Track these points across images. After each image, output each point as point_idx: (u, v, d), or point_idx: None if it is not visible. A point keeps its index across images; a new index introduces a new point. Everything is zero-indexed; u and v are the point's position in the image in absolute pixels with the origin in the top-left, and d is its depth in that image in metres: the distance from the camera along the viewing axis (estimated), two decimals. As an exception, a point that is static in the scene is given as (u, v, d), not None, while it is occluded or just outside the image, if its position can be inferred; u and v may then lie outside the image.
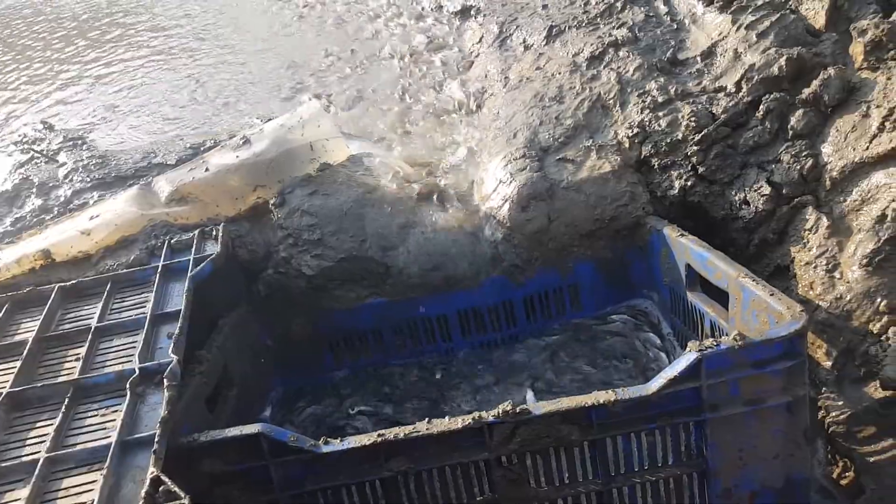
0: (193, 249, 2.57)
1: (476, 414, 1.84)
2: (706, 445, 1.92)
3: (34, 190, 3.34)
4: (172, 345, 2.02)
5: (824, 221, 2.52)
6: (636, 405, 1.86)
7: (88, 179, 3.33)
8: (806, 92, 2.71)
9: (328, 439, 1.84)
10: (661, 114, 3.00)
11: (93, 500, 1.51)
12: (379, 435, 1.82)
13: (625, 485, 1.96)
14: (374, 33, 5.51)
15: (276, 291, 2.93)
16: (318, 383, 3.03)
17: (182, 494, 1.43)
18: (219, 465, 1.79)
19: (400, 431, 1.83)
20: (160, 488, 1.47)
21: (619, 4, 3.87)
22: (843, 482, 2.18)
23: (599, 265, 2.98)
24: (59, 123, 4.41)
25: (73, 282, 2.43)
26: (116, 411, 1.81)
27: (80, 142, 3.99)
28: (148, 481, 1.48)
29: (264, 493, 1.85)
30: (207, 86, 4.80)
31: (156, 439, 1.63)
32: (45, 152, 3.66)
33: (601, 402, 1.83)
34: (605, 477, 1.95)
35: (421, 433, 1.82)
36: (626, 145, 3.01)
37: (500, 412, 1.83)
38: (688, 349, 1.84)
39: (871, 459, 2.09)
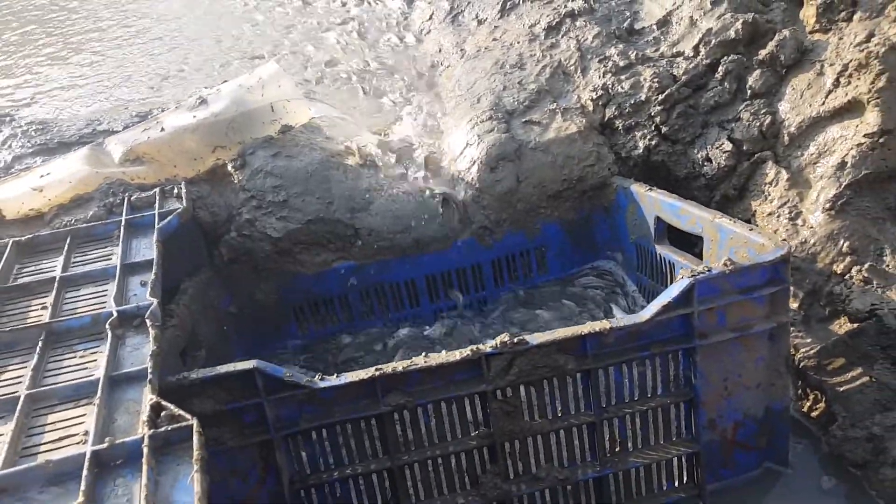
0: (157, 205, 2.46)
1: (474, 346, 1.82)
2: (695, 374, 1.96)
3: (-30, 155, 3.13)
4: (150, 289, 1.93)
5: (784, 174, 2.63)
6: (629, 334, 1.89)
7: (29, 145, 3.15)
8: (762, 53, 2.82)
9: (324, 375, 1.79)
10: (623, 77, 3.06)
11: (86, 431, 1.42)
12: (377, 369, 1.78)
13: (616, 416, 1.98)
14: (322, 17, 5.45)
15: (239, 255, 2.83)
16: (281, 352, 2.94)
17: (188, 416, 1.36)
18: (210, 405, 1.71)
19: (398, 365, 1.79)
20: (162, 413, 1.39)
21: (571, -20, 3.94)
22: (815, 413, 2.27)
23: (565, 227, 3.02)
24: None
25: (29, 236, 2.28)
26: (95, 352, 1.71)
27: (6, 118, 3.78)
28: (148, 407, 1.40)
29: (257, 434, 1.78)
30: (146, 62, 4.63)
31: (149, 370, 1.54)
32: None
33: (596, 330, 1.85)
34: (597, 408, 1.96)
35: (419, 366, 1.79)
36: (590, 108, 3.06)
37: (498, 343, 1.82)
38: (680, 276, 1.88)
39: (842, 389, 2.19)
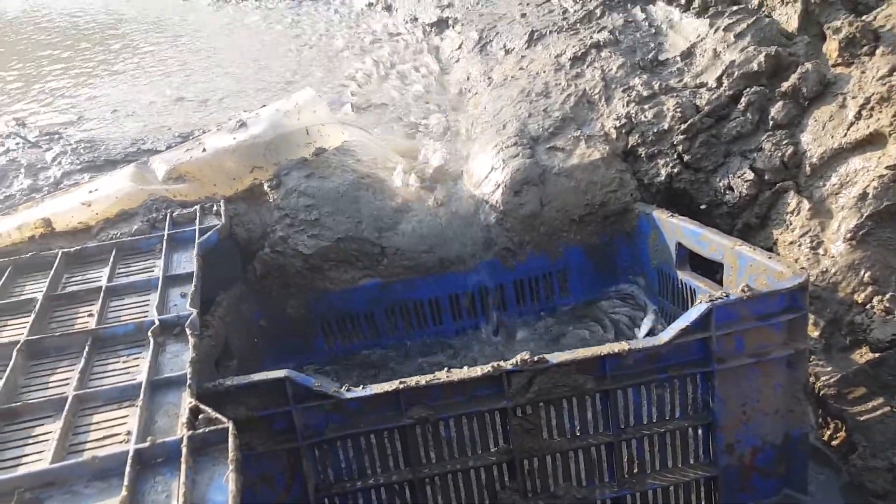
0: (197, 222, 2.58)
1: (495, 363, 1.89)
2: (713, 398, 2.00)
3: (22, 171, 3.29)
4: (189, 300, 2.03)
5: (806, 204, 2.67)
6: (648, 356, 1.94)
7: (78, 162, 3.30)
8: (785, 85, 2.88)
9: (350, 386, 1.86)
10: (646, 106, 3.14)
11: (129, 431, 1.51)
12: (401, 382, 1.85)
13: (634, 437, 2.02)
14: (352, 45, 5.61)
15: (272, 271, 2.94)
16: (307, 365, 3.03)
17: (224, 419, 1.44)
18: (242, 411, 1.79)
19: (421, 379, 1.86)
20: (199, 416, 1.48)
21: (598, 11, 4.05)
22: (835, 442, 2.29)
23: (588, 250, 3.08)
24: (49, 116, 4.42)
25: (77, 248, 2.41)
26: (138, 358, 1.81)
27: (56, 136, 3.96)
28: (187, 410, 1.49)
29: (285, 441, 1.86)
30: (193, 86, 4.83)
31: (188, 376, 1.64)
32: (29, 138, 3.62)
33: (615, 351, 1.91)
34: (615, 429, 2.01)
35: (441, 381, 1.86)
36: (614, 135, 3.13)
37: (519, 361, 1.88)
38: (698, 301, 1.93)
39: (863, 418, 2.21)
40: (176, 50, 6.01)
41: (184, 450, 1.39)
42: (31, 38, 7.02)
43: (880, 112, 2.56)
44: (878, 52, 2.69)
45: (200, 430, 1.43)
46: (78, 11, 7.82)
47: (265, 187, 3.04)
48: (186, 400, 1.54)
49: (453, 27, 5.10)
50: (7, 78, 5.75)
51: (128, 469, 1.36)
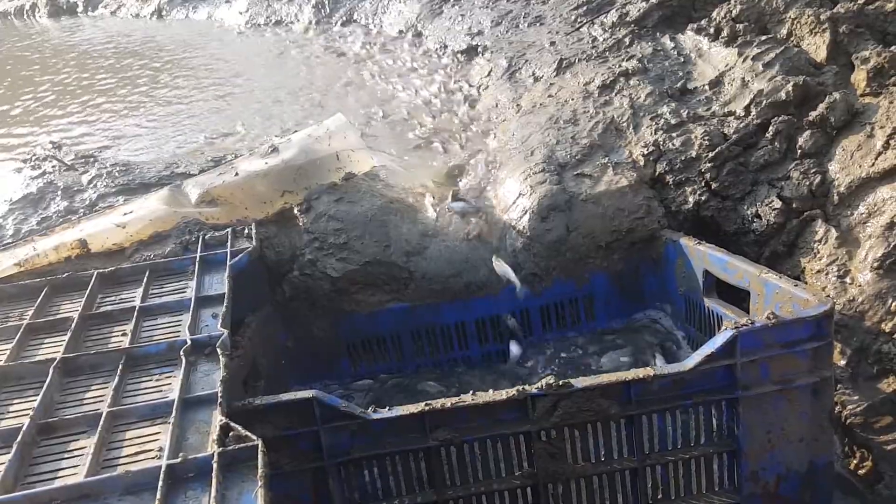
0: (229, 244, 2.64)
1: (520, 386, 1.91)
2: (737, 425, 2.00)
3: (59, 193, 3.40)
4: (221, 320, 2.08)
5: (833, 233, 2.66)
6: (673, 382, 1.95)
7: (113, 185, 3.40)
8: (813, 115, 2.88)
9: (376, 408, 1.89)
10: (674, 134, 3.16)
11: (161, 447, 1.55)
12: (426, 404, 1.88)
13: (658, 463, 2.02)
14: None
15: (300, 293, 2.99)
16: (332, 386, 3.06)
17: (254, 437, 1.48)
18: (270, 431, 1.82)
19: (447, 401, 1.88)
20: (230, 434, 1.52)
21: (626, 40, 4.10)
22: (861, 472, 2.26)
23: (614, 276, 3.08)
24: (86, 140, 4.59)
25: (112, 269, 2.49)
26: (170, 376, 1.86)
27: (92, 159, 4.08)
28: (218, 428, 1.53)
29: (312, 461, 1.89)
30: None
31: (219, 394, 1.68)
32: (65, 161, 3.73)
33: (640, 377, 1.91)
34: (639, 454, 2.01)
35: (466, 403, 1.88)
36: (641, 163, 3.15)
37: (544, 385, 1.90)
38: (724, 328, 1.94)
39: (889, 448, 2.19)
40: (208, 77, 6.17)
41: (214, 466, 1.42)
42: (69, 65, 7.24)
43: (909, 141, 2.56)
44: (907, 81, 2.70)
45: (230, 447, 1.47)
46: (115, 40, 8.09)
47: (295, 211, 3.10)
48: (217, 418, 1.58)
49: (482, 55, 5.17)
50: (43, 103, 5.94)
51: (160, 484, 1.40)
